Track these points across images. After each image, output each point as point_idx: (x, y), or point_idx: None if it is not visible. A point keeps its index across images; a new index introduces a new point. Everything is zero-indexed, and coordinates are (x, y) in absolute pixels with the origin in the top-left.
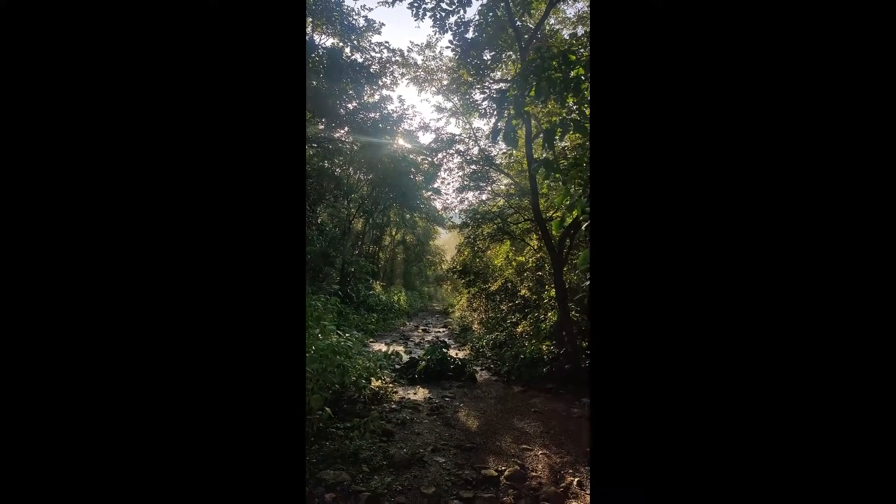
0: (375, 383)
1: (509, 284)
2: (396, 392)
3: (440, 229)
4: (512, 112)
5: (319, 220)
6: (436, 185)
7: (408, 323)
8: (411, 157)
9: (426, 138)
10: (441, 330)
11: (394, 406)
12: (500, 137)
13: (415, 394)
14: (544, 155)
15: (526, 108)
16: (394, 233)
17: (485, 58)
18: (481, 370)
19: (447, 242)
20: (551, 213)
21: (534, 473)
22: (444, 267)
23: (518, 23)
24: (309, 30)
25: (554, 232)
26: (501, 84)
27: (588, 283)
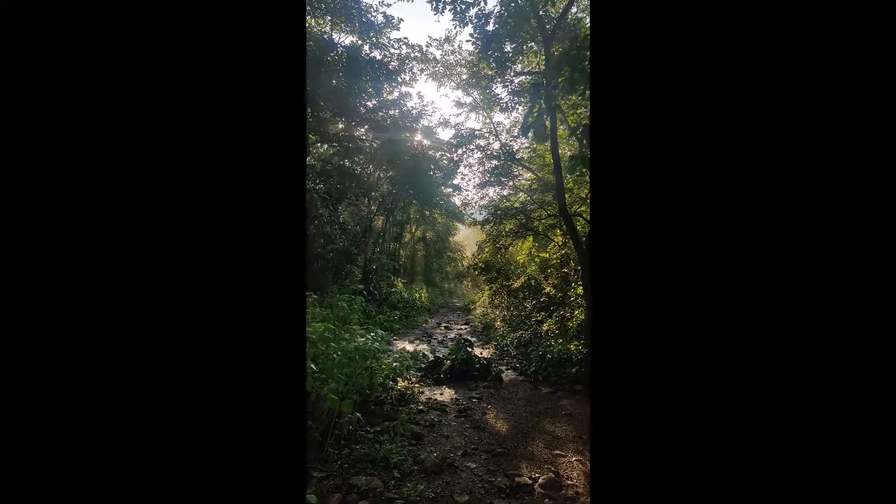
0: (402, 384)
1: (533, 281)
2: (423, 392)
3: (459, 225)
4: (542, 107)
5: (342, 219)
6: (455, 181)
7: (429, 320)
8: (430, 153)
9: (446, 134)
10: (463, 327)
11: (421, 407)
12: (530, 133)
13: (441, 394)
14: (577, 151)
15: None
16: (413, 230)
17: (506, 50)
18: (507, 370)
19: (466, 238)
20: (576, 207)
21: (569, 482)
22: (465, 263)
23: (541, 12)
24: (328, 28)
25: None
26: (523, 76)
27: None
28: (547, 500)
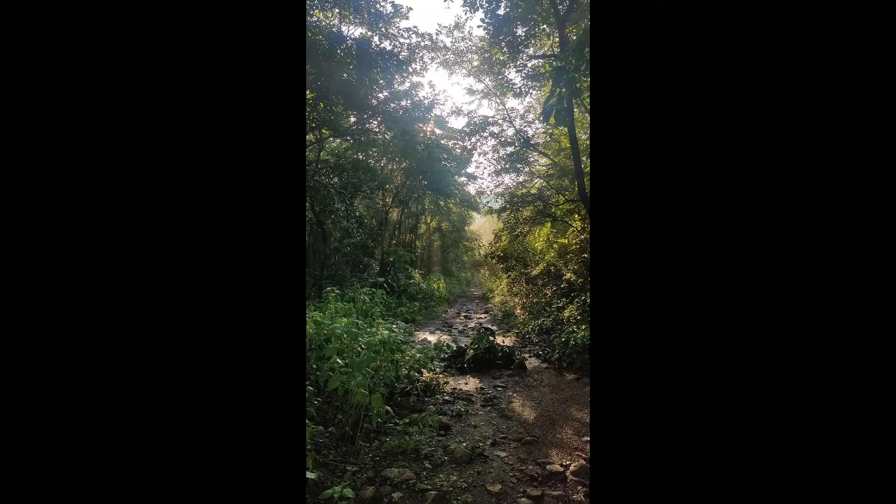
0: (426, 375)
1: (552, 268)
2: (447, 383)
3: (475, 214)
4: (563, 91)
5: (358, 213)
6: (469, 170)
7: (449, 310)
8: (443, 142)
9: (458, 122)
10: (483, 316)
11: (447, 398)
12: (552, 116)
13: (466, 384)
14: None
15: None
16: (429, 220)
17: (518, 34)
18: (530, 357)
19: (482, 227)
20: None
21: None
22: (482, 252)
23: None
24: (336, 21)
25: None
26: (537, 59)
27: None
28: (580, 487)
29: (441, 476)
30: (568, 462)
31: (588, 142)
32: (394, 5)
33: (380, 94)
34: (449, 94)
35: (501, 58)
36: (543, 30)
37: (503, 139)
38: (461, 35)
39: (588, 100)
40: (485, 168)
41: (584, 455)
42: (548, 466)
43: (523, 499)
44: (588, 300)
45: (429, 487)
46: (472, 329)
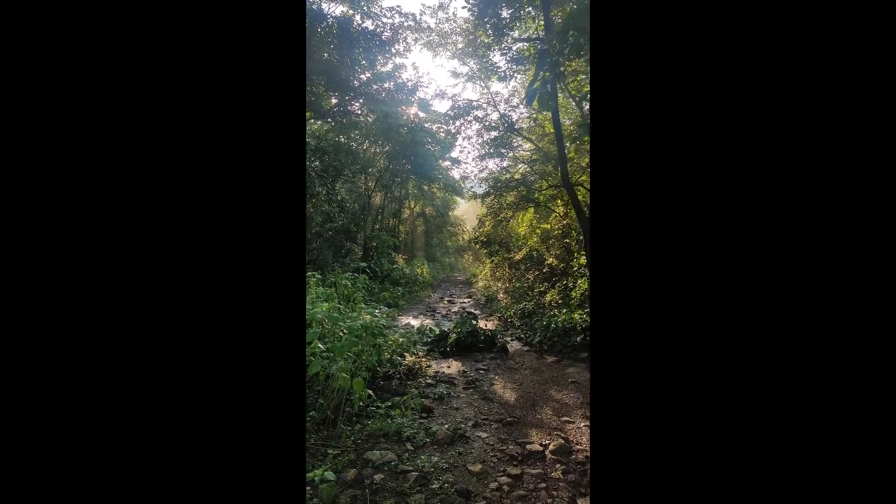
0: (409, 359)
1: (535, 253)
2: (430, 366)
3: (459, 199)
4: (547, 75)
5: (339, 197)
6: (453, 154)
7: (432, 294)
8: (427, 126)
9: (442, 106)
10: (466, 300)
11: (429, 381)
12: (535, 100)
13: (448, 367)
14: (579, 118)
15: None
16: (412, 205)
17: (503, 16)
18: (512, 341)
19: (466, 212)
20: (577, 177)
21: (579, 447)
22: (465, 237)
23: None
24: None
25: None
26: (521, 43)
27: None
28: (558, 465)
29: (423, 457)
30: (547, 441)
31: (571, 127)
32: None
33: (362, 76)
34: (433, 76)
35: (486, 40)
36: (528, 12)
37: (487, 123)
38: (445, 16)
39: (572, 84)
40: (469, 152)
41: (562, 434)
42: (527, 446)
43: (503, 477)
44: (569, 284)
45: (410, 468)
46: (456, 313)
